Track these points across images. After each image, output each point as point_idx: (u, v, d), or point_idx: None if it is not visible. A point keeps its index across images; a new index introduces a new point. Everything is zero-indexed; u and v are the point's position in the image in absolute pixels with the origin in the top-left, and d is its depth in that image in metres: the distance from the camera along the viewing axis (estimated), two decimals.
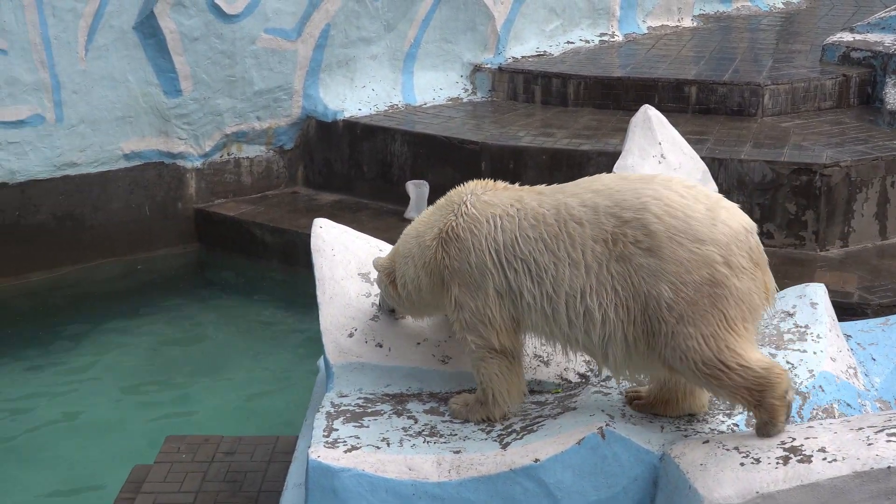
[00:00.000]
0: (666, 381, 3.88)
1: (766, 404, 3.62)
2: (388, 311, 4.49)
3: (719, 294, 3.58)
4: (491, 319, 3.96)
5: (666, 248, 3.60)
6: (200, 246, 10.99)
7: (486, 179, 4.17)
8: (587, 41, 13.57)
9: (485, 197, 4.03)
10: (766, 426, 3.64)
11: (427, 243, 4.12)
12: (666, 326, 3.62)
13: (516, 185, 4.16)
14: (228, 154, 11.12)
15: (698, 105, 11.07)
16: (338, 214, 10.14)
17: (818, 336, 4.44)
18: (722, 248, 3.59)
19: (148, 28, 10.17)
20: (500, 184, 4.14)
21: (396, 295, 4.29)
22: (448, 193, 4.20)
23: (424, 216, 4.26)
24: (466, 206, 4.02)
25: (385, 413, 4.18)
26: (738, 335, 3.61)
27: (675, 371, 3.71)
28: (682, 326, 3.60)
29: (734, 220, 3.65)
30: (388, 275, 4.30)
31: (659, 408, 3.96)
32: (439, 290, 4.13)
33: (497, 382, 4.03)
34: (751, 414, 3.74)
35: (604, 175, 3.96)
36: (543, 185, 4.05)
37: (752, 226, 3.70)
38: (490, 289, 3.94)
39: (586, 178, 3.94)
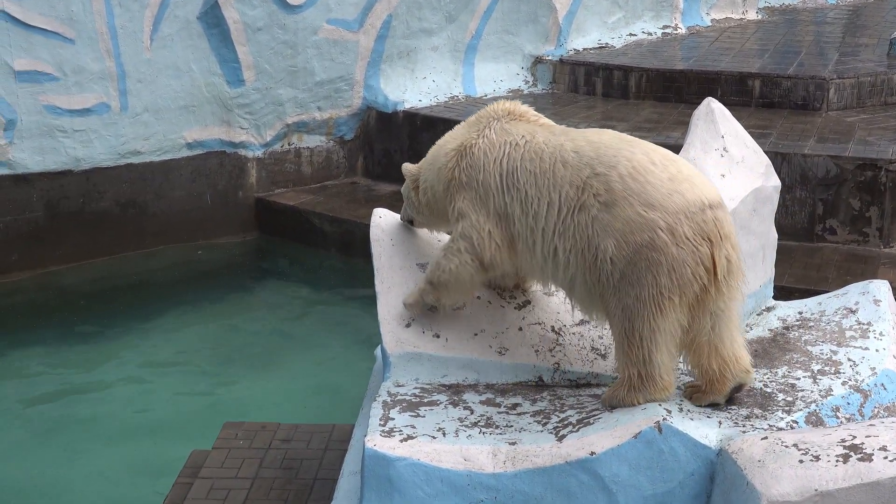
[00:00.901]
0: (700, 363, 3.97)
1: (633, 394, 3.92)
2: (408, 221, 4.68)
3: (655, 259, 3.79)
4: (490, 233, 4.17)
5: (619, 206, 3.83)
6: (260, 235, 11.08)
7: (516, 102, 4.41)
8: (650, 33, 13.47)
9: (507, 125, 4.26)
10: (615, 399, 3.97)
11: (447, 153, 4.35)
12: (612, 279, 3.86)
13: (541, 118, 4.36)
14: (289, 144, 11.19)
15: (762, 99, 10.95)
16: (397, 205, 10.01)
17: (881, 333, 4.38)
18: (669, 215, 3.78)
19: (212, 18, 10.25)
20: (529, 113, 4.36)
21: (417, 200, 4.52)
22: (480, 111, 4.44)
23: (456, 129, 4.47)
24: (489, 130, 4.27)
25: (441, 403, 4.18)
26: (663, 310, 3.81)
27: (610, 323, 3.97)
28: (623, 282, 3.84)
29: (694, 193, 3.83)
30: (414, 181, 4.55)
31: (712, 391, 3.98)
32: (445, 200, 4.35)
33: (459, 278, 4.23)
34: (616, 377, 4.06)
35: (609, 130, 4.14)
36: (563, 126, 4.28)
37: (716, 202, 3.86)
38: (491, 207, 4.16)
39: (595, 129, 4.16)
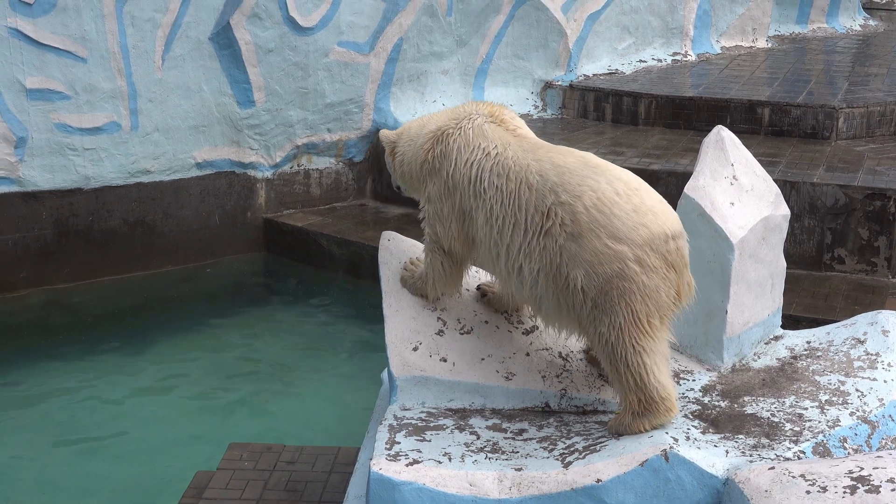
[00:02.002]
0: None
1: (638, 421, 3.97)
2: (396, 187, 4.82)
3: (627, 288, 3.87)
4: (450, 226, 4.29)
5: (586, 237, 3.91)
6: (268, 255, 11.09)
7: (502, 106, 4.40)
8: (660, 60, 13.50)
9: (485, 126, 4.28)
10: (621, 427, 4.00)
11: (426, 134, 4.42)
12: (585, 307, 3.94)
13: (520, 126, 4.35)
14: (298, 165, 11.22)
15: (771, 127, 10.96)
16: (405, 228, 10.15)
17: (889, 364, 4.37)
18: (637, 248, 3.86)
19: (224, 39, 10.30)
20: (509, 120, 4.34)
21: (393, 167, 4.66)
22: (467, 104, 4.47)
23: (442, 112, 4.53)
24: (468, 124, 4.29)
25: (447, 428, 4.17)
26: (645, 333, 3.89)
27: (597, 352, 4.04)
28: (596, 311, 3.91)
29: (658, 224, 3.91)
30: (392, 148, 4.66)
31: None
32: (419, 179, 4.46)
33: (436, 272, 4.43)
34: (619, 403, 4.07)
35: (576, 152, 4.16)
36: (535, 140, 4.28)
37: (678, 232, 3.99)
38: (457, 201, 4.25)
39: (562, 149, 4.17)
